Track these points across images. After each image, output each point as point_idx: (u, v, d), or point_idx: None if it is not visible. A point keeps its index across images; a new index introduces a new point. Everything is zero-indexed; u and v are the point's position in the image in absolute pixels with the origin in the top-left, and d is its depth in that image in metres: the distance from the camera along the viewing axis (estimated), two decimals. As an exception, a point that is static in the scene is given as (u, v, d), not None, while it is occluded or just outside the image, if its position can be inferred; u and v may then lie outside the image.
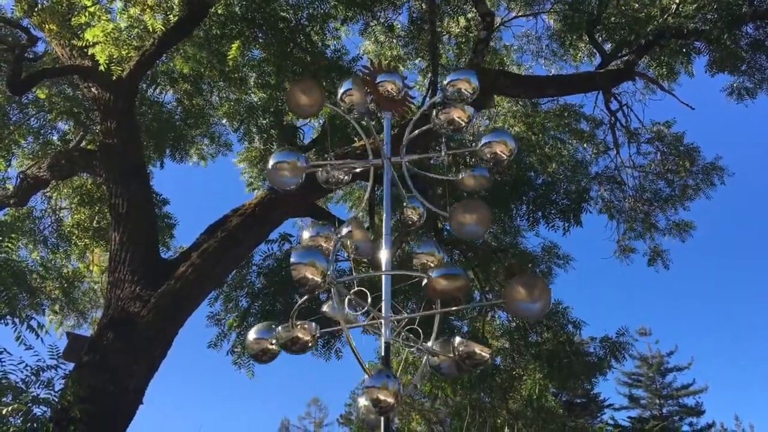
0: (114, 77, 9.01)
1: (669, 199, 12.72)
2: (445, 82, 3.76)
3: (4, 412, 5.38)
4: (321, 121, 11.70)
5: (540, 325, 11.97)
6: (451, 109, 3.74)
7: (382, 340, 3.25)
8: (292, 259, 3.15)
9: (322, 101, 3.76)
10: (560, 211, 10.43)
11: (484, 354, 3.45)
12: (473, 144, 3.74)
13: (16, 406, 5.24)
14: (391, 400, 2.89)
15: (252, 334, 3.50)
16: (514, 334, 11.95)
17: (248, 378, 10.75)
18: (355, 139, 9.33)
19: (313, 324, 3.36)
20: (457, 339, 3.51)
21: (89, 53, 9.17)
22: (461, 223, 3.67)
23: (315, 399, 45.20)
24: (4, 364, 5.83)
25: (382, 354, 3.23)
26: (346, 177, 4.03)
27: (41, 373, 6.05)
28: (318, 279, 3.10)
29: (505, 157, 3.72)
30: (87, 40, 8.86)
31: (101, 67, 8.86)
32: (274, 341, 3.41)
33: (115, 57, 8.90)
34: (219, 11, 10.00)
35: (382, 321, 3.27)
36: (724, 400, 58.35)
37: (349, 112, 3.76)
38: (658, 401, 35.80)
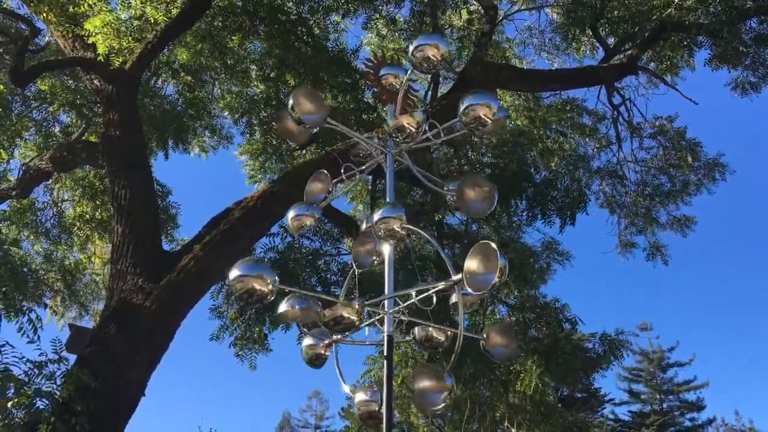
0: (112, 67, 8.98)
1: (670, 194, 12.72)
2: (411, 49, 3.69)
3: (9, 404, 5.39)
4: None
5: (538, 320, 12.01)
6: (478, 106, 3.55)
7: (385, 335, 3.25)
8: (236, 273, 3.20)
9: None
10: (558, 208, 10.43)
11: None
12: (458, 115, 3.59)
13: (20, 399, 5.23)
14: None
15: (236, 271, 3.21)
16: (514, 328, 11.95)
17: (250, 371, 10.79)
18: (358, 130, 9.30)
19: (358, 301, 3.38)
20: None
21: (90, 43, 9.16)
22: (466, 200, 3.56)
23: (316, 392, 45.29)
24: (6, 356, 5.83)
25: (385, 348, 3.23)
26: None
27: (44, 367, 6.05)
28: (266, 290, 3.21)
29: (490, 121, 3.53)
30: (87, 30, 8.85)
31: (100, 58, 8.84)
32: (268, 283, 3.23)
33: (115, 48, 8.88)
34: (221, 4, 9.98)
35: (385, 315, 3.28)
36: (724, 395, 58.46)
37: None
38: (658, 396, 35.85)
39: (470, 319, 11.84)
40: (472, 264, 3.00)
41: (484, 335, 3.55)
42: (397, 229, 3.39)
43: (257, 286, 3.18)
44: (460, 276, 3.07)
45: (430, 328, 3.61)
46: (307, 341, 3.67)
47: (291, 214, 3.82)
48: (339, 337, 3.57)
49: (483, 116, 3.51)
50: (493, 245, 3.01)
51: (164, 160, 12.47)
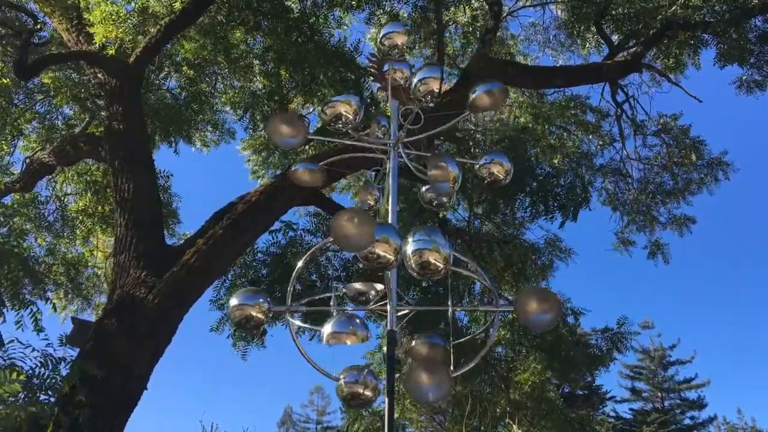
0: (106, 53, 8.97)
1: (672, 193, 12.70)
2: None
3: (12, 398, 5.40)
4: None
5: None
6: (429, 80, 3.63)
7: (387, 329, 3.24)
8: (234, 302, 3.32)
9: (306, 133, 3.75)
10: (561, 205, 10.42)
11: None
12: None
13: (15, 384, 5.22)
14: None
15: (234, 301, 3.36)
16: (515, 324, 11.98)
17: (251, 365, 10.80)
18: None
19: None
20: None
21: (91, 32, 9.17)
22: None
23: (317, 387, 45.46)
24: (14, 351, 5.85)
25: (387, 343, 3.23)
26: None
27: (49, 363, 6.07)
28: (262, 317, 3.32)
29: (437, 91, 3.63)
30: (88, 20, 8.87)
31: (95, 41, 8.82)
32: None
33: (113, 38, 8.87)
34: (224, -1, 9.97)
35: (388, 310, 3.27)
36: (726, 393, 58.56)
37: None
38: (659, 394, 35.89)
39: (470, 315, 11.86)
40: (530, 305, 3.14)
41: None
42: (434, 262, 2.95)
43: (254, 314, 3.33)
44: (512, 307, 3.26)
45: (357, 387, 3.24)
46: (234, 301, 3.39)
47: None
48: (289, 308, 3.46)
49: (435, 88, 3.57)
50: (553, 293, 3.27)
51: (166, 155, 12.54)
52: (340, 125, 3.63)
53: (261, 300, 3.37)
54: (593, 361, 12.01)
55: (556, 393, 14.20)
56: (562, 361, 11.63)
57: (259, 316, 3.34)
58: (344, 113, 3.59)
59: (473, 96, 3.55)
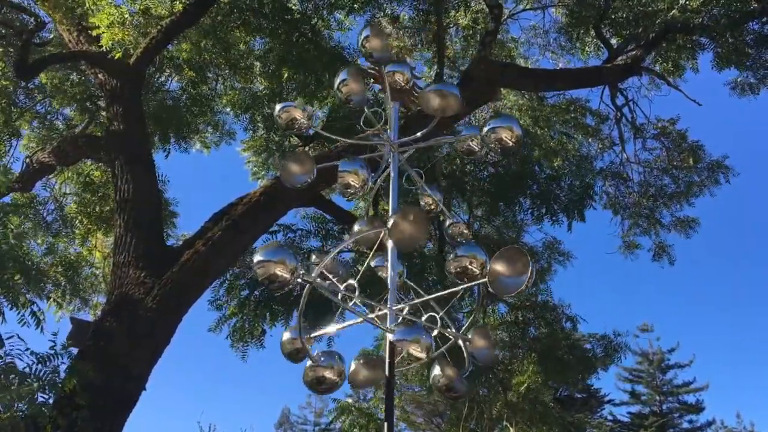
0: (111, 55, 8.97)
1: (673, 196, 12.71)
2: None
3: (10, 396, 5.40)
4: (326, 111, 11.70)
5: (538, 319, 12.03)
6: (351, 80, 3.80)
7: (387, 336, 3.21)
8: (258, 257, 2.99)
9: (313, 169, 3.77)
10: (564, 207, 10.43)
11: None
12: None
13: (21, 389, 5.23)
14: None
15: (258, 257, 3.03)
16: (513, 327, 11.99)
17: (249, 366, 10.82)
18: (359, 126, 9.29)
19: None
20: None
21: (95, 36, 9.16)
22: None
23: (315, 389, 45.30)
24: (12, 348, 5.85)
25: (387, 350, 3.19)
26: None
27: (48, 362, 6.06)
28: (287, 276, 2.96)
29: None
30: (92, 23, 8.86)
31: (102, 43, 8.83)
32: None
33: (118, 40, 8.88)
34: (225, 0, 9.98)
35: (387, 313, 3.26)
36: (725, 397, 58.40)
37: (347, 102, 3.85)
38: (658, 398, 35.84)
39: (468, 317, 11.86)
40: (498, 266, 3.08)
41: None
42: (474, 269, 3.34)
43: (279, 272, 2.96)
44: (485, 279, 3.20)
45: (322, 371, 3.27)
46: (257, 257, 3.06)
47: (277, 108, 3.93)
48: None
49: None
50: (521, 249, 3.14)
51: (167, 156, 12.46)
52: (349, 193, 3.66)
53: (287, 257, 2.99)
54: (587, 366, 12.03)
55: (552, 396, 14.22)
56: (558, 364, 11.66)
57: (285, 275, 2.96)
58: (352, 183, 3.60)
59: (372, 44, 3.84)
